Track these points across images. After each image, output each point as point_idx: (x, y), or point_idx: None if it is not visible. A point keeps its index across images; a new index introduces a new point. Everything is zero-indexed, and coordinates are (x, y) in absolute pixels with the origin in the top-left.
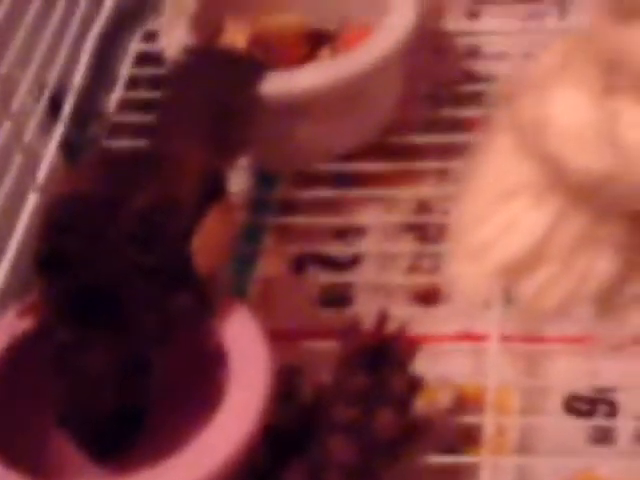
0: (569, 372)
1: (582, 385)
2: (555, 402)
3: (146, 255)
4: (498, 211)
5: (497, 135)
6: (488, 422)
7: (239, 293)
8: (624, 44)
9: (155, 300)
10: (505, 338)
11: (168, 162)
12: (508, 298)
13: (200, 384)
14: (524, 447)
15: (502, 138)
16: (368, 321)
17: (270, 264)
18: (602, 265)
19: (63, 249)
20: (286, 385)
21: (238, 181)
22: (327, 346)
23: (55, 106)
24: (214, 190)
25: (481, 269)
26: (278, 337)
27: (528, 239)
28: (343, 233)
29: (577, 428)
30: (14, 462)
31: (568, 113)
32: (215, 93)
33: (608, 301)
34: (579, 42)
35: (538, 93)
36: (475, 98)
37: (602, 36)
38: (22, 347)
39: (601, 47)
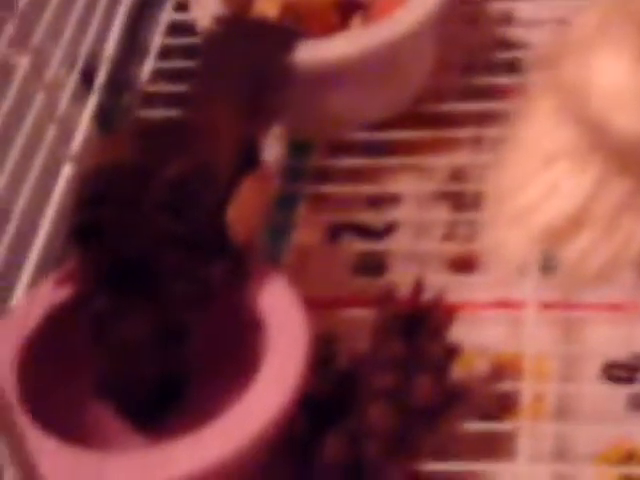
0: (607, 339)
1: (621, 352)
2: (593, 369)
3: (179, 223)
4: (539, 176)
5: (536, 100)
6: (526, 389)
7: (274, 261)
8: None
9: (190, 269)
10: (543, 305)
11: (202, 131)
12: (546, 265)
13: (238, 352)
14: (562, 414)
15: (541, 103)
16: (403, 289)
17: (305, 233)
18: None
19: (98, 219)
20: (323, 353)
21: (272, 150)
22: (363, 314)
23: (88, 77)
24: (249, 158)
25: (522, 234)
26: (314, 305)
27: (569, 204)
28: (377, 201)
29: (616, 395)
30: (53, 428)
31: (609, 75)
32: (248, 62)
33: None
34: (616, 3)
35: (578, 56)
36: (509, 65)
37: None
38: (60, 316)
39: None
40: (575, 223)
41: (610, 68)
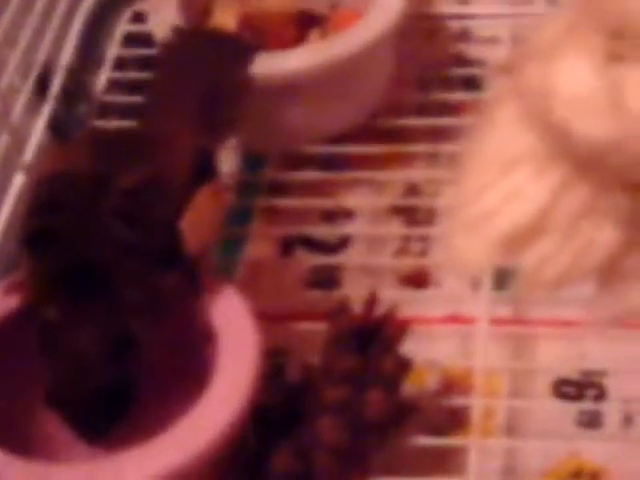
0: (558, 356)
1: (571, 369)
2: (543, 385)
3: (132, 233)
4: (500, 181)
5: (495, 111)
6: (476, 405)
7: (227, 274)
8: (628, 9)
9: (143, 278)
10: (494, 321)
11: (157, 142)
12: (499, 280)
13: (189, 363)
14: (512, 430)
15: (502, 112)
16: (356, 304)
17: (258, 246)
18: (604, 237)
19: (50, 227)
20: (274, 366)
21: (227, 162)
22: (315, 328)
23: (43, 86)
24: (203, 170)
25: (482, 241)
26: (266, 318)
27: (530, 209)
28: (331, 216)
29: (565, 412)
30: (1, 441)
31: (573, 81)
32: (204, 74)
33: (609, 274)
34: (582, 10)
35: (542, 62)
36: (465, 81)
37: (605, 2)
38: (8, 325)
39: (604, 13)
40: (535, 228)
41: (574, 73)
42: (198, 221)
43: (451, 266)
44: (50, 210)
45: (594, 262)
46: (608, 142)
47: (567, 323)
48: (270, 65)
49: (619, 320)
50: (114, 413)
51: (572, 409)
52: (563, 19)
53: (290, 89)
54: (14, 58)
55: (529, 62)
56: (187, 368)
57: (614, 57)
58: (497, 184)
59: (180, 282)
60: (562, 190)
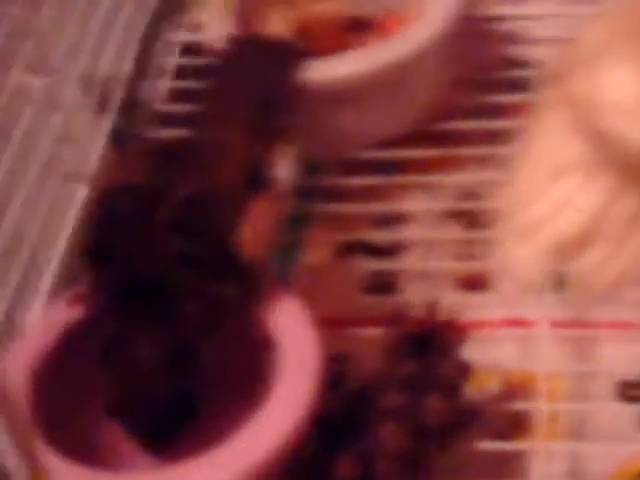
0: (619, 357)
1: (633, 370)
2: (606, 388)
3: (190, 244)
4: (549, 190)
5: (544, 116)
6: (538, 408)
7: (285, 281)
8: None
9: (202, 290)
10: (554, 324)
11: (211, 152)
12: (557, 282)
13: (250, 372)
14: (575, 433)
15: (550, 118)
16: (414, 308)
17: (315, 252)
18: None
19: (110, 241)
20: (334, 372)
21: (285, 169)
22: (374, 333)
23: (104, 99)
24: (258, 177)
25: (533, 249)
26: (325, 325)
27: (580, 218)
28: (388, 220)
29: (628, 414)
30: (67, 449)
31: (619, 88)
32: (257, 81)
33: None
34: (621, 17)
35: (587, 71)
36: (516, 83)
37: None
38: (73, 337)
39: None
40: (586, 237)
41: (620, 80)
42: (255, 230)
43: (504, 272)
44: (108, 225)
45: None
46: None
47: (628, 325)
48: (322, 71)
49: None
50: (177, 423)
51: (635, 411)
52: (607, 23)
53: (343, 94)
54: (75, 72)
55: (575, 69)
56: (249, 376)
57: None
58: (547, 191)
59: (239, 291)
60: (611, 199)
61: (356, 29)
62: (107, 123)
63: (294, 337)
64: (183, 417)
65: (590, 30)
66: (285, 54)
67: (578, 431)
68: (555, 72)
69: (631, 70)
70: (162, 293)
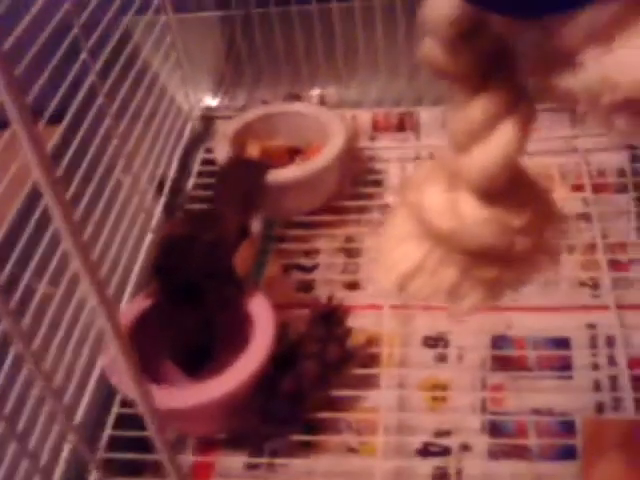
0: (424, 324)
1: (431, 331)
2: (416, 340)
3: (211, 266)
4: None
5: (397, 210)
6: (383, 351)
7: (256, 285)
8: (458, 166)
9: (218, 289)
10: (392, 307)
11: (219, 218)
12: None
13: (238, 333)
14: (402, 364)
15: (400, 212)
16: (322, 299)
17: (272, 268)
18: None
19: (167, 263)
20: (281, 333)
21: (256, 226)
22: (302, 312)
23: (160, 187)
24: (244, 232)
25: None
26: (276, 308)
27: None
28: (309, 253)
29: (428, 354)
30: (150, 380)
31: (433, 197)
32: (243, 181)
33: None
34: (436, 162)
35: (418, 189)
36: (375, 182)
37: (446, 159)
38: (145, 315)
39: (446, 166)
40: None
41: (434, 194)
42: (242, 258)
43: (369, 281)
44: (165, 254)
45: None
46: (451, 231)
47: (430, 307)
48: (276, 176)
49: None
50: (202, 360)
51: (431, 353)
52: (432, 163)
53: (287, 188)
54: (145, 174)
55: (411, 189)
56: (237, 336)
57: (453, 187)
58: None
59: (234, 290)
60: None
61: (294, 153)
62: (162, 200)
63: (261, 314)
64: (205, 357)
65: (420, 167)
66: (258, 167)
67: (402, 363)
68: (401, 187)
69: (442, 190)
70: (196, 292)
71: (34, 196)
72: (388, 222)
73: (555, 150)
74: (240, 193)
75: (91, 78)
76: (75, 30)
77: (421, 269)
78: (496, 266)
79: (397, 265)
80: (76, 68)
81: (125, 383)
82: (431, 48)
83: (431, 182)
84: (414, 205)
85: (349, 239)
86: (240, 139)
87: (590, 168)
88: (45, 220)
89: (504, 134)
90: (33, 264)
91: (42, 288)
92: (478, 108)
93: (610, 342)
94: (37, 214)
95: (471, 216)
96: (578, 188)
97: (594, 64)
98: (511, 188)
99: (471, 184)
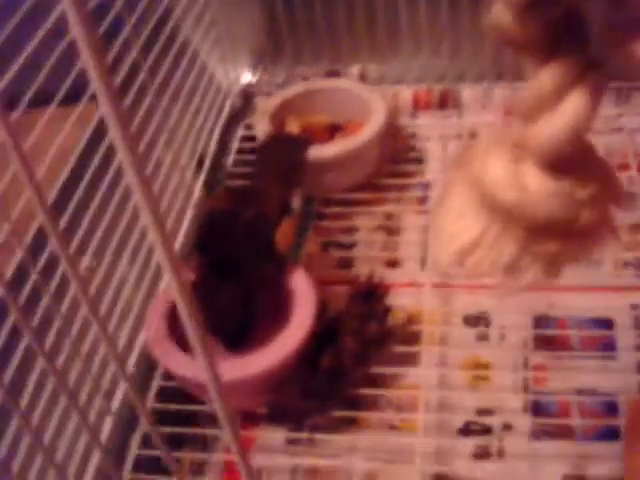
0: (467, 303)
1: (473, 310)
2: (457, 319)
3: (252, 243)
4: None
5: (454, 186)
6: (424, 329)
7: (297, 261)
8: (525, 136)
9: (258, 266)
10: (434, 285)
11: (261, 194)
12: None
13: (281, 308)
14: (442, 342)
15: (458, 188)
16: (362, 277)
17: (311, 246)
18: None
19: (209, 239)
20: (321, 309)
21: (296, 203)
22: (342, 289)
23: (200, 163)
24: (285, 208)
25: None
26: (317, 284)
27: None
28: (348, 230)
29: (470, 333)
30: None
31: (497, 170)
32: (284, 158)
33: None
34: (499, 133)
35: (479, 161)
36: (415, 160)
37: (512, 130)
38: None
39: (511, 136)
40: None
41: (498, 165)
42: (283, 235)
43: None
44: (208, 230)
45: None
46: (514, 203)
47: (473, 285)
48: (317, 152)
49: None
50: (242, 335)
51: (473, 332)
52: (487, 136)
53: (327, 164)
54: (186, 150)
55: (471, 159)
56: (280, 310)
57: (518, 159)
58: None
59: (275, 266)
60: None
61: (333, 129)
62: (202, 177)
63: (302, 290)
64: (246, 332)
65: (480, 139)
66: (299, 143)
67: (443, 342)
68: (461, 160)
69: (505, 161)
70: (238, 267)
71: (75, 177)
72: (444, 196)
73: (600, 129)
74: (281, 169)
75: (133, 55)
76: (117, 7)
77: (480, 243)
78: (556, 241)
79: (455, 239)
80: (118, 45)
81: (172, 355)
82: (500, 15)
83: (494, 154)
84: (476, 177)
85: (388, 217)
86: (280, 116)
87: (636, 147)
88: (87, 199)
89: (573, 104)
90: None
91: (85, 262)
92: (547, 77)
93: None
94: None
95: (536, 188)
96: (624, 167)
97: None
98: (577, 161)
99: (537, 155)
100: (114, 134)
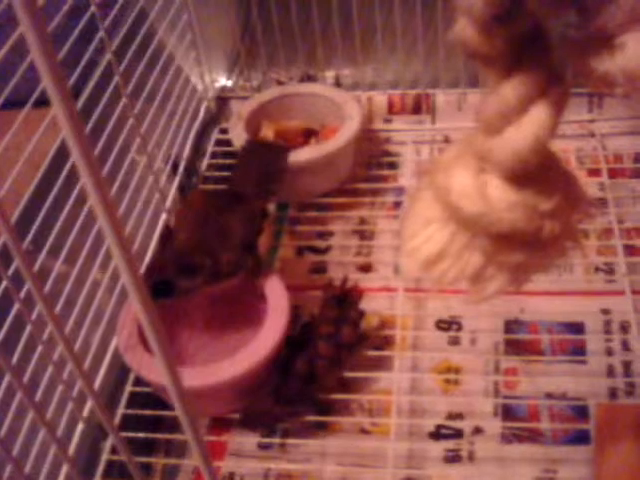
0: (437, 307)
1: (445, 315)
2: (430, 323)
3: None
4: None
5: (421, 193)
6: (397, 334)
7: (271, 265)
8: (489, 148)
9: (241, 260)
10: (406, 290)
11: (238, 198)
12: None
13: (253, 312)
14: (414, 348)
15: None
16: (335, 281)
17: (285, 250)
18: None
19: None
20: (295, 314)
21: (272, 207)
22: (315, 294)
23: (175, 167)
24: (263, 212)
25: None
26: (290, 289)
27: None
28: (322, 235)
29: (441, 337)
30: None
31: (462, 180)
32: (260, 164)
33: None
34: (463, 144)
35: (444, 172)
36: (389, 165)
37: (475, 142)
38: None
39: (475, 148)
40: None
41: (462, 177)
42: (262, 240)
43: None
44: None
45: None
46: (478, 215)
47: (444, 290)
48: (292, 157)
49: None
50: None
51: (445, 335)
52: (453, 148)
53: (302, 169)
54: (161, 154)
55: (438, 171)
56: (253, 314)
57: (481, 170)
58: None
59: (254, 262)
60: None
61: (308, 135)
62: (177, 181)
63: (276, 295)
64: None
65: (446, 151)
66: (280, 150)
67: (415, 346)
68: (427, 170)
69: (470, 173)
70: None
71: (49, 178)
72: (412, 205)
73: (572, 134)
74: (262, 175)
75: (107, 57)
76: (92, 9)
77: (445, 253)
78: (521, 251)
79: (421, 249)
80: (92, 48)
81: (143, 361)
82: (465, 28)
83: (459, 165)
84: (441, 188)
85: (363, 221)
86: (255, 120)
87: (607, 153)
88: (61, 200)
89: (536, 116)
90: (48, 244)
91: (58, 267)
92: (510, 90)
93: (624, 327)
94: (54, 192)
95: (500, 200)
96: (594, 173)
97: (634, 46)
98: (540, 172)
99: (501, 167)
100: (74, 153)
